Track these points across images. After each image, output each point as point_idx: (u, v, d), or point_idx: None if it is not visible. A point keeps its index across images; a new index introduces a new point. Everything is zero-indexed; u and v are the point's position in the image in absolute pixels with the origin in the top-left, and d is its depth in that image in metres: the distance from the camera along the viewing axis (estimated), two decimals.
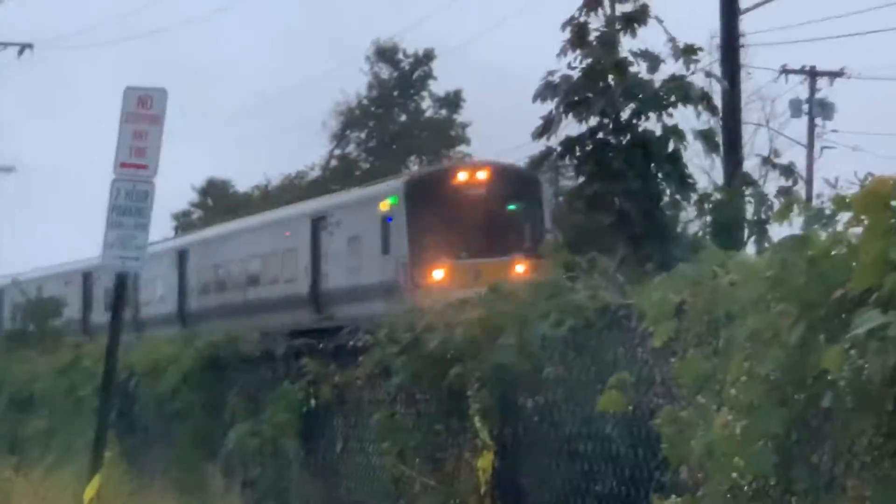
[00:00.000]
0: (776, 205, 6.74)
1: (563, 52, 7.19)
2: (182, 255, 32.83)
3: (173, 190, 40.16)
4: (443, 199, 24.52)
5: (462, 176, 24.32)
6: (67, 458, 12.36)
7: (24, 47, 41.85)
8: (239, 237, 31.55)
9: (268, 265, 29.22)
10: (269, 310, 26.87)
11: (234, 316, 25.97)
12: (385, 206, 24.91)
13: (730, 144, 12.24)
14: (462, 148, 45.98)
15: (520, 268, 20.38)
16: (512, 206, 23.96)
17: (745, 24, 18.80)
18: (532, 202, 23.74)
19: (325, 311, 25.91)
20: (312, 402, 8.35)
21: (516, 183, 24.08)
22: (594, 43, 7.16)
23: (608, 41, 7.05)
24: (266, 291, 28.85)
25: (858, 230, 3.45)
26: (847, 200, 3.55)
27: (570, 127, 7.00)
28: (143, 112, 9.18)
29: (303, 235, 27.61)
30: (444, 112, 47.65)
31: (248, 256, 30.18)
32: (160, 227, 39.46)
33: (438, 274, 22.77)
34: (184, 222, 50.63)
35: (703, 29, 21.02)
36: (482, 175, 24.01)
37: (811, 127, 39.97)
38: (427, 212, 24.47)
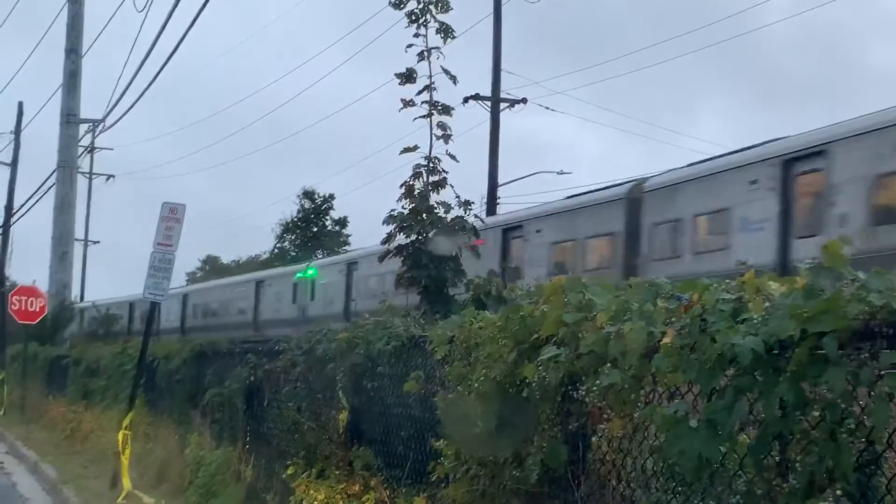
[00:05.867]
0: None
1: (399, 199, 11.31)
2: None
3: (188, 258, 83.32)
4: None
5: None
6: (115, 403, 18.18)
7: (109, 176, 66.97)
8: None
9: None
10: None
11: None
12: None
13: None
14: (346, 247, 71.02)
15: None
16: None
17: (501, 191, 33.49)
18: None
19: None
20: (252, 378, 12.04)
21: None
22: (416, 195, 11.26)
23: (423, 195, 11.24)
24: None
25: (546, 305, 5.49)
26: (543, 288, 5.77)
27: (401, 239, 11.38)
28: (172, 216, 14.30)
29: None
30: (337, 227, 79.13)
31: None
32: (178, 280, 59.41)
33: None
34: (192, 278, 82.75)
35: (478, 192, 34.12)
36: None
37: None
38: None
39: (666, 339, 4.12)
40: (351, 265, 35.28)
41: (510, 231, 26.02)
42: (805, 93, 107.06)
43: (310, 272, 37.87)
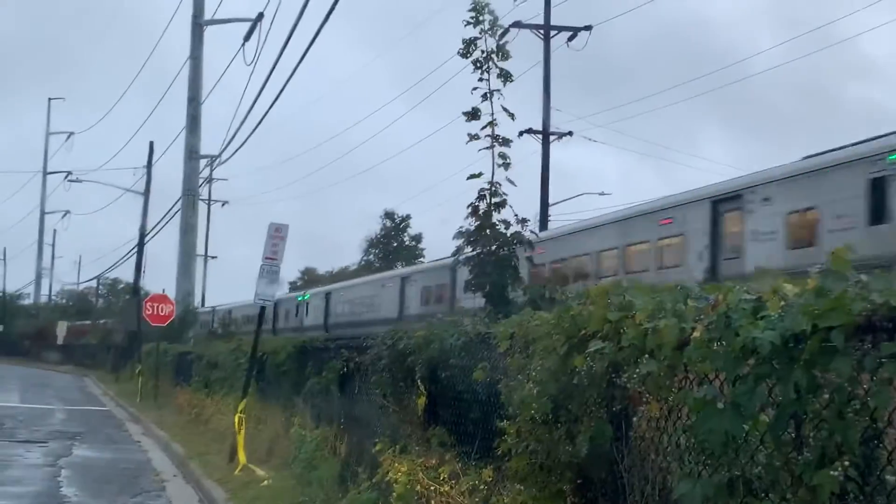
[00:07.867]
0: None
1: (467, 217, 11.34)
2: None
3: (289, 270, 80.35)
4: None
5: None
6: (231, 391, 18.08)
7: (224, 202, 68.84)
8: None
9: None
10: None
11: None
12: None
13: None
14: (421, 259, 72.08)
15: None
16: None
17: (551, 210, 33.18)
18: None
19: None
20: (345, 368, 11.98)
21: None
22: (481, 214, 11.25)
23: (487, 214, 11.24)
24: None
25: (592, 306, 5.35)
26: (590, 293, 5.60)
27: (468, 251, 11.50)
28: (277, 234, 14.46)
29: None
30: (413, 243, 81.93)
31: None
32: (282, 288, 61.78)
33: None
34: (292, 286, 78.87)
35: (529, 211, 31.12)
36: None
37: None
38: None
39: (696, 334, 4.10)
40: None
41: None
42: (790, 125, 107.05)
43: None
